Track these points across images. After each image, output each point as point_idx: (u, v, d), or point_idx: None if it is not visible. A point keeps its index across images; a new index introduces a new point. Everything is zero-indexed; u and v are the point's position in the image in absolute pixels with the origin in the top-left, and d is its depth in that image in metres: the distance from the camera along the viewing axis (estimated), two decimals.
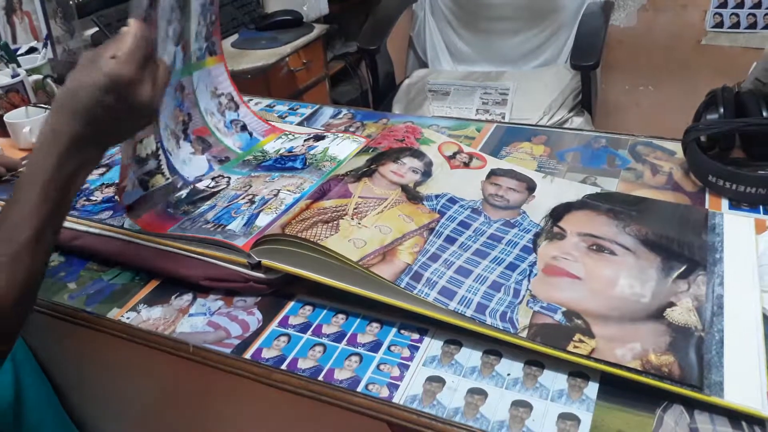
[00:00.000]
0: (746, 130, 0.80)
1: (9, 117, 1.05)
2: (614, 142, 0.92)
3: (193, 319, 0.63)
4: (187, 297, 0.66)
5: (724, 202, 0.76)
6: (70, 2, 1.36)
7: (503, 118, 1.61)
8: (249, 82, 1.50)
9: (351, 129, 1.02)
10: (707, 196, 0.77)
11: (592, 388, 0.51)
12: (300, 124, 1.06)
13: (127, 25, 0.56)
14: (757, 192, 0.74)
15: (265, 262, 0.63)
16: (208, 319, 0.63)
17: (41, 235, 0.53)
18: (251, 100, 1.17)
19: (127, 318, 0.64)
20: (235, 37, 1.57)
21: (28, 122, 1.04)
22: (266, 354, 0.58)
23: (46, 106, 1.11)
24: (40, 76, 1.19)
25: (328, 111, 1.10)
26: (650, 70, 2.13)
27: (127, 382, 0.74)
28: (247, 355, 0.58)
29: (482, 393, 0.52)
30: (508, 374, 0.53)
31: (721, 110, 0.82)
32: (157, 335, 0.61)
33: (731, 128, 0.80)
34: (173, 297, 0.66)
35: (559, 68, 1.86)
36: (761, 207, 0.74)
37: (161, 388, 0.73)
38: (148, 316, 0.64)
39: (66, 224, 0.75)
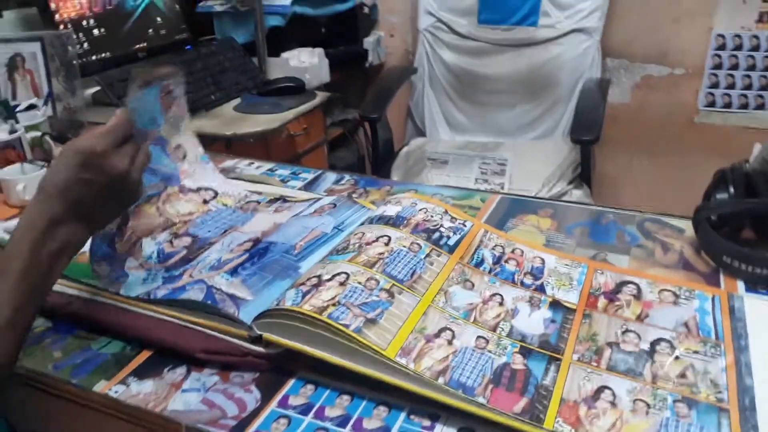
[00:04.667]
0: (759, 211, 0.80)
1: (2, 173, 1.03)
2: (621, 217, 0.91)
3: (187, 396, 0.58)
4: (181, 370, 0.62)
5: (740, 284, 0.74)
6: (74, 62, 1.37)
7: (502, 188, 1.61)
8: (249, 146, 1.50)
9: (354, 195, 1.00)
10: (722, 277, 0.75)
11: None
12: (302, 189, 1.04)
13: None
14: None
15: (268, 336, 0.59)
16: (203, 396, 0.58)
17: (22, 313, 0.54)
18: (252, 163, 1.15)
19: (116, 392, 0.59)
20: (237, 101, 1.58)
21: (23, 179, 1.01)
22: None
23: (42, 163, 1.08)
24: (38, 133, 1.18)
25: (331, 176, 1.09)
26: (645, 146, 2.16)
27: None
28: None
29: None
30: None
31: (732, 190, 0.81)
32: (147, 412, 0.56)
33: (743, 208, 0.80)
34: (166, 370, 0.62)
35: (556, 141, 1.89)
36: None
37: None
38: (138, 391, 0.59)
39: (56, 288, 0.71)
